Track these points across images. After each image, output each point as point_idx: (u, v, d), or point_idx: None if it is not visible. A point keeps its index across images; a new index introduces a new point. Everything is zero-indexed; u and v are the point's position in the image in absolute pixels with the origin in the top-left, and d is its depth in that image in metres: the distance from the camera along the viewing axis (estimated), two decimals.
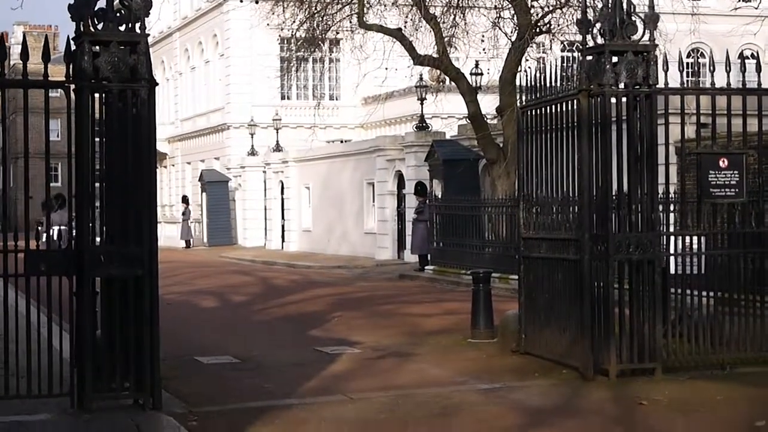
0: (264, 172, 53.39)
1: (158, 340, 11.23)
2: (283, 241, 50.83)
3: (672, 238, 13.69)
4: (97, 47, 11.09)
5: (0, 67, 11.06)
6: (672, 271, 13.50)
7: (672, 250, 13.58)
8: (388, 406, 11.80)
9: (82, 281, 11.02)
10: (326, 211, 46.35)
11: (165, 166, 69.31)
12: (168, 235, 61.82)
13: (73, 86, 11.12)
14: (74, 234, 11.15)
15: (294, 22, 32.78)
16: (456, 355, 15.48)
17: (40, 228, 32.11)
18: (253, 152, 55.34)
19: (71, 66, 11.13)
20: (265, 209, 53.21)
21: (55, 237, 24.89)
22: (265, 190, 53.30)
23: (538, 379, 13.33)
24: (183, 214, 59.48)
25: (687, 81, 13.69)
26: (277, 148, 52.60)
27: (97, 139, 11.20)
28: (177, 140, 67.42)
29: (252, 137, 55.67)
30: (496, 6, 30.76)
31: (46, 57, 11.06)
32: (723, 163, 13.59)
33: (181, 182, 66.56)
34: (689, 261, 13.57)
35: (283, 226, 51.12)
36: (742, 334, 13.67)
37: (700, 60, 54.47)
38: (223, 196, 56.86)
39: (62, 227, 27.83)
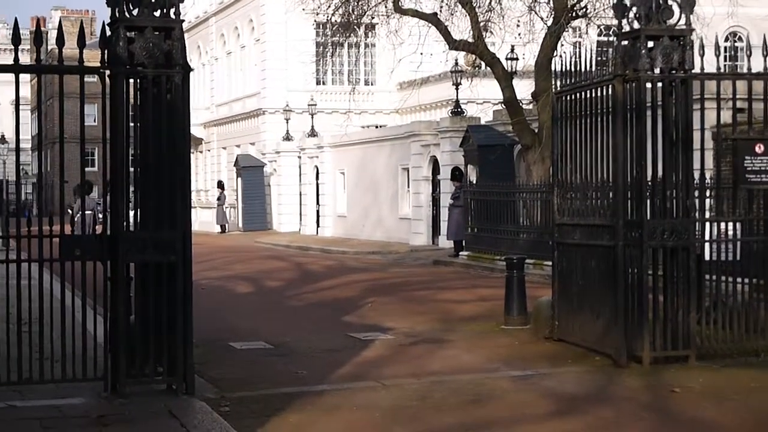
0: (299, 157, 53.44)
1: (191, 326, 11.26)
2: (317, 226, 50.89)
3: (707, 224, 13.61)
4: (132, 33, 11.12)
5: (36, 53, 11.10)
6: (707, 257, 13.42)
7: (707, 237, 13.50)
8: (420, 392, 11.80)
9: (117, 267, 11.06)
10: (361, 197, 46.35)
11: (200, 151, 69.52)
12: (203, 220, 62.09)
13: (108, 72, 11.15)
14: (99, 219, 11.20)
15: (329, 6, 32.75)
16: (489, 342, 15.46)
17: (70, 212, 32.62)
18: (288, 137, 55.39)
19: (106, 52, 11.16)
20: (300, 194, 53.26)
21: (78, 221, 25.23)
22: (300, 175, 53.35)
23: (571, 366, 13.29)
24: (218, 199, 59.67)
25: (724, 65, 13.59)
26: (312, 133, 52.63)
27: (132, 125, 11.23)
28: (212, 125, 67.58)
29: (287, 122, 55.71)
30: None
31: (81, 43, 11.09)
32: (759, 148, 13.49)
33: (217, 167, 66.72)
34: (724, 247, 13.48)
35: (317, 212, 51.17)
36: None
37: (738, 44, 54.06)
38: (259, 181, 56.97)
39: (86, 212, 28.26)
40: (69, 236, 11.32)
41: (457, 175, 34.37)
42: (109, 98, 11.10)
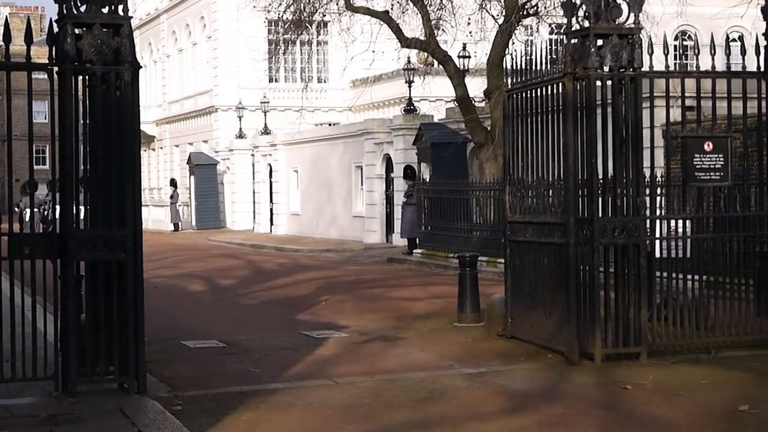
0: (252, 155, 53.32)
1: (143, 324, 11.21)
2: (271, 224, 50.81)
3: (657, 221, 13.69)
4: (81, 30, 11.05)
5: None
6: (657, 254, 13.51)
7: (657, 234, 13.58)
8: (373, 390, 11.80)
9: (66, 265, 10.99)
10: (315, 195, 46.31)
11: (153, 149, 69.22)
12: (156, 218, 61.83)
13: (56, 69, 11.07)
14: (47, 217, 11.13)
15: (281, 4, 32.65)
16: (442, 340, 15.49)
17: (16, 210, 32.72)
18: (241, 135, 55.27)
19: (54, 48, 11.08)
20: (254, 192, 53.14)
21: (27, 219, 25.34)
22: (253, 173, 53.23)
23: (524, 363, 13.34)
24: (171, 197, 59.46)
25: (674, 64, 13.67)
26: (266, 131, 52.55)
27: (81, 122, 11.16)
28: (165, 123, 67.29)
29: (240, 120, 55.60)
30: None
31: (28, 39, 11.01)
32: (708, 146, 13.58)
33: (170, 165, 66.44)
34: (675, 245, 13.57)
35: (271, 210, 51.09)
36: (728, 318, 13.71)
37: (687, 43, 54.46)
38: (212, 179, 56.80)
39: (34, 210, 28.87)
40: (18, 234, 11.23)
41: (409, 173, 34.40)
42: (57, 95, 11.02)
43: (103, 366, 11.13)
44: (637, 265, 13.03)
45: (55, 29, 11.14)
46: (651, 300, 13.27)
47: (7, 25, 11.15)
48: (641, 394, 11.37)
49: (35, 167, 11.80)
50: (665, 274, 13.56)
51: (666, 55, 13.55)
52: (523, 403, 11.12)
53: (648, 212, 13.49)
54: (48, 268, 11.08)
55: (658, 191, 14.37)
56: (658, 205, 14.11)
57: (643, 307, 13.05)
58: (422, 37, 30.57)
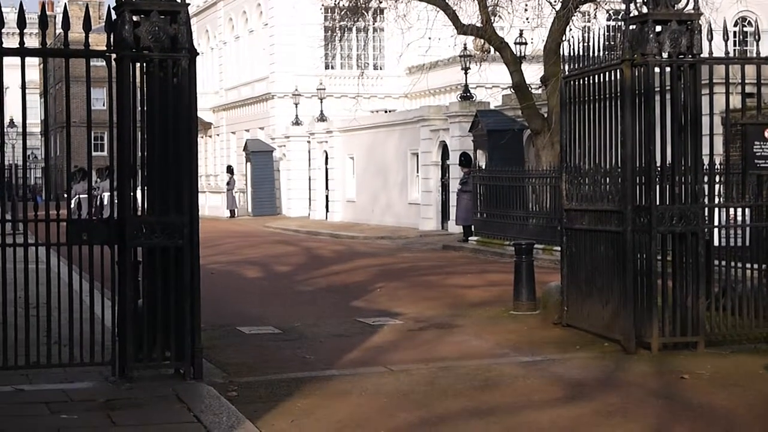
0: (308, 142, 53.43)
1: (199, 310, 11.25)
2: (327, 211, 50.89)
3: (716, 209, 13.57)
4: (138, 17, 11.09)
5: (42, 37, 11.07)
6: (716, 243, 13.38)
7: (716, 222, 13.46)
8: (428, 378, 11.78)
9: (124, 251, 11.05)
10: (370, 182, 46.33)
11: (210, 136, 69.51)
12: (213, 205, 62.12)
13: (114, 56, 11.13)
14: (98, 203, 11.18)
15: None
16: (497, 327, 15.44)
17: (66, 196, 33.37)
18: (297, 122, 55.36)
19: (112, 35, 11.13)
20: (310, 179, 53.25)
21: (74, 206, 25.68)
22: (309, 160, 53.34)
23: (580, 351, 13.27)
24: (228, 183, 59.71)
25: (733, 50, 13.53)
26: (322, 117, 52.59)
27: (139, 109, 11.21)
28: (222, 110, 67.54)
29: (296, 107, 55.65)
30: None
31: (87, 26, 11.06)
32: None
33: (226, 152, 66.69)
34: (733, 233, 13.44)
35: (327, 197, 51.17)
36: None
37: (747, 29, 53.86)
38: (268, 166, 56.96)
39: (82, 196, 29.83)
40: (76, 220, 11.32)
41: (464, 160, 34.31)
42: (115, 82, 11.08)
43: (160, 351, 11.19)
44: (695, 254, 12.92)
45: (113, 16, 11.19)
46: (709, 289, 13.15)
47: (66, 12, 11.23)
48: (699, 384, 11.29)
49: (93, 154, 11.87)
50: (724, 263, 13.43)
51: (726, 41, 13.41)
52: (579, 392, 11.07)
53: (706, 200, 13.37)
54: (106, 254, 11.15)
55: (717, 179, 14.22)
56: (716, 192, 13.98)
57: (701, 296, 12.95)
58: (479, 24, 30.45)
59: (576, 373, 12.02)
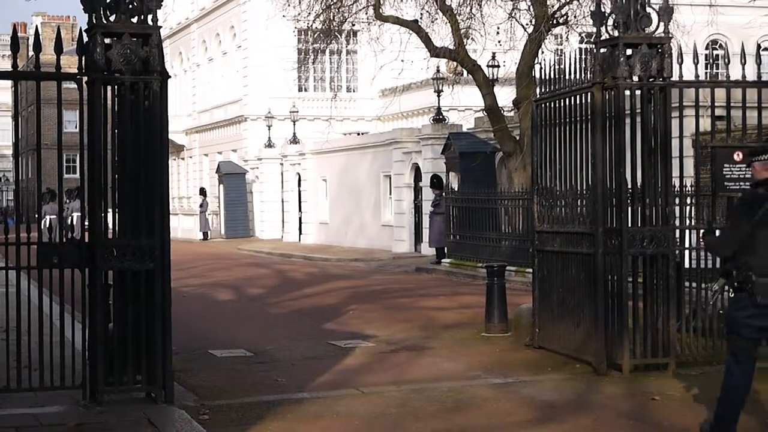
0: (281, 164, 53.43)
1: (170, 334, 11.22)
2: (300, 233, 50.87)
3: (687, 231, 13.63)
4: (110, 39, 11.09)
5: (13, 59, 11.05)
6: (686, 265, 13.44)
7: (687, 244, 13.52)
8: (400, 400, 11.78)
9: (95, 274, 11.02)
10: (343, 204, 46.34)
11: (182, 158, 69.45)
12: (186, 227, 61.98)
13: (85, 78, 11.11)
14: (66, 225, 11.15)
15: (310, 13, 32.73)
16: (469, 349, 15.45)
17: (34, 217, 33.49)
18: (270, 144, 55.37)
19: (84, 58, 11.12)
20: (282, 201, 53.22)
21: (44, 227, 25.83)
22: (282, 182, 53.32)
23: (551, 373, 13.29)
24: (200, 206, 59.63)
25: (704, 73, 13.63)
26: (294, 140, 52.63)
27: (110, 132, 11.19)
28: (194, 132, 67.51)
29: (269, 129, 55.70)
30: None
31: (58, 49, 11.06)
32: (738, 156, 13.48)
33: (199, 174, 66.65)
34: (704, 255, 13.49)
35: (300, 219, 51.15)
36: None
37: (718, 52, 54.23)
38: (241, 188, 56.93)
39: (51, 217, 30.66)
40: (47, 244, 11.28)
41: (435, 182, 34.36)
42: (86, 105, 11.07)
43: (131, 375, 11.14)
44: (666, 276, 12.97)
45: (85, 39, 11.18)
46: (680, 310, 13.20)
47: (37, 35, 11.21)
48: (669, 405, 11.32)
49: (65, 176, 11.84)
50: (694, 285, 13.48)
51: (696, 64, 13.51)
52: (551, 414, 11.08)
53: (677, 222, 13.44)
54: (77, 277, 11.11)
55: (687, 201, 14.29)
56: (687, 215, 14.05)
57: (672, 318, 13.00)
58: (451, 47, 30.58)
59: (548, 394, 12.03)
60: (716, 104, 13.55)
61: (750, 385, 9.46)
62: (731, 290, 9.37)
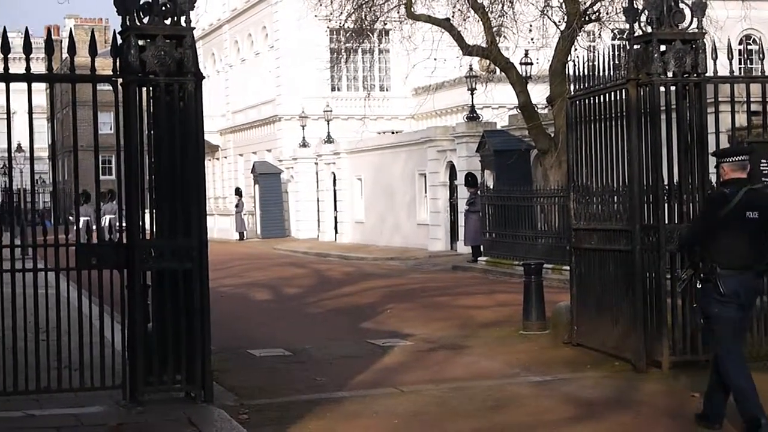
0: (316, 163, 53.50)
1: (209, 333, 11.26)
2: (335, 232, 50.90)
3: None
4: (144, 41, 11.13)
5: (48, 62, 11.11)
6: None
7: None
8: (439, 399, 11.78)
9: (133, 275, 11.07)
10: (378, 203, 46.34)
11: (217, 158, 69.62)
12: (222, 228, 62.18)
13: (120, 80, 11.16)
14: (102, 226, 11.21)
15: (342, 13, 32.75)
16: (508, 348, 15.43)
17: (70, 219, 33.78)
18: (304, 144, 55.45)
19: (118, 60, 11.17)
20: (318, 201, 53.28)
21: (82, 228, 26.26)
22: (317, 181, 53.39)
23: (590, 371, 13.25)
24: (236, 206, 59.76)
25: (738, 68, 13.55)
26: (329, 139, 52.67)
27: (146, 133, 11.24)
28: (229, 132, 67.67)
29: (303, 129, 55.76)
30: None
31: (93, 51, 11.11)
32: None
33: (234, 174, 66.80)
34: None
35: (335, 218, 51.18)
36: None
37: (752, 47, 53.89)
38: (276, 188, 57.03)
39: (83, 218, 31.59)
40: (85, 245, 11.34)
41: (470, 180, 34.32)
42: (121, 106, 11.11)
43: (170, 375, 11.19)
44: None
45: (119, 41, 11.23)
46: None
47: (72, 38, 11.27)
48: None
49: (101, 177, 11.91)
50: None
51: (730, 59, 13.43)
52: (591, 412, 11.05)
53: None
54: (115, 278, 11.17)
55: None
56: None
57: None
58: (484, 45, 30.53)
59: (587, 392, 12.00)
60: (752, 99, 13.48)
61: (745, 361, 10.05)
62: (698, 281, 10.14)
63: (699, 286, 10.16)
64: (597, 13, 28.53)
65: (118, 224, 11.29)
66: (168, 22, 11.19)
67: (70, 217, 35.26)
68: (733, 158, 10.20)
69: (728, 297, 9.86)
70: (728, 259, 9.87)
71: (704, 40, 13.16)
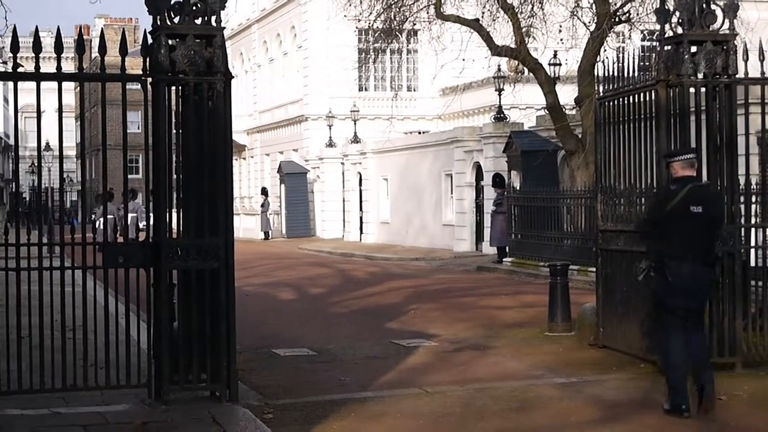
0: (342, 163, 53.52)
1: (234, 332, 11.27)
2: (361, 232, 50.91)
3: (752, 230, 13.48)
4: (174, 41, 11.14)
5: (78, 61, 11.15)
6: (752, 263, 13.29)
7: (752, 243, 13.37)
8: (464, 399, 11.76)
9: (159, 274, 11.08)
10: (404, 203, 46.34)
11: (244, 158, 69.76)
12: (247, 227, 62.28)
13: (149, 80, 11.18)
14: (124, 225, 11.22)
15: (371, 13, 32.79)
16: (533, 349, 15.39)
17: (92, 217, 33.75)
18: (331, 144, 55.50)
19: (148, 59, 11.19)
20: (343, 201, 53.32)
21: (99, 227, 26.19)
22: (343, 181, 53.41)
23: (616, 373, 13.20)
24: (262, 205, 59.84)
25: None
26: (355, 139, 52.71)
27: (174, 132, 11.26)
28: (256, 132, 67.81)
29: (330, 129, 55.83)
30: None
31: (123, 51, 11.13)
32: None
33: (260, 174, 66.92)
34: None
35: (361, 218, 51.20)
36: None
37: None
38: (302, 188, 57.09)
39: (108, 217, 30.88)
40: (112, 244, 11.36)
41: (498, 181, 34.27)
42: (151, 106, 11.14)
43: (196, 374, 11.20)
44: (731, 274, 12.85)
45: (149, 41, 11.25)
46: (746, 309, 13.07)
47: (102, 37, 11.30)
48: (736, 405, 11.21)
49: (129, 176, 11.94)
50: (760, 283, 13.34)
51: (761, 61, 13.36)
52: (616, 414, 11.02)
53: (743, 220, 13.30)
54: (141, 277, 11.19)
55: (753, 199, 14.14)
56: (753, 213, 13.90)
57: (738, 317, 12.87)
58: (513, 45, 30.52)
59: (613, 394, 11.96)
60: None
61: (684, 352, 10.91)
62: (652, 271, 11.12)
63: (652, 274, 11.12)
64: (627, 14, 28.46)
65: (140, 223, 11.31)
66: (198, 21, 11.19)
67: (92, 215, 35.32)
68: (682, 157, 11.23)
69: (675, 285, 10.84)
70: (675, 250, 10.87)
71: (735, 41, 13.10)
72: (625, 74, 14.02)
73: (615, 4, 28.42)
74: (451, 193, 41.87)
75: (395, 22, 32.66)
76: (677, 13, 13.05)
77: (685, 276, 10.84)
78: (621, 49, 21.54)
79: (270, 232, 58.48)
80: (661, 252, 10.98)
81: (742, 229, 13.25)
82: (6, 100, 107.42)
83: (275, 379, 13.25)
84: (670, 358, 11.00)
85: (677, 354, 10.92)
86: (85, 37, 11.38)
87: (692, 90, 13.00)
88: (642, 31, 29.57)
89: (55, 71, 11.06)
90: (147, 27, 11.45)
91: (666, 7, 13.17)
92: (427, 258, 37.67)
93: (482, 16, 31.43)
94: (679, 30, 13.04)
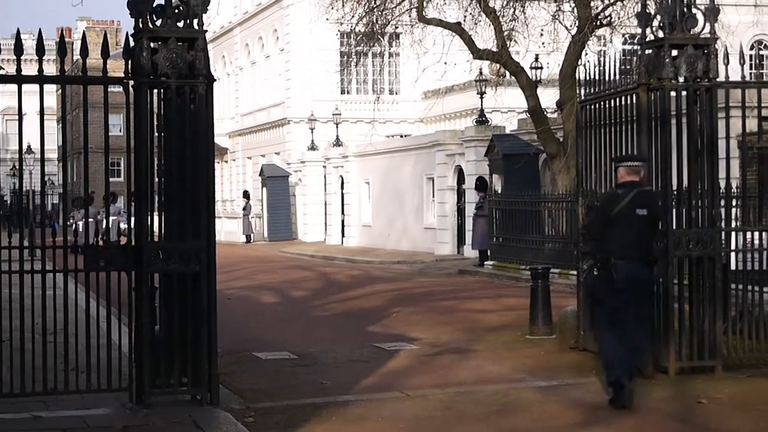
0: (324, 166, 53.49)
1: (216, 336, 11.27)
2: (342, 236, 50.89)
3: (733, 233, 13.54)
4: (156, 44, 11.13)
5: (60, 64, 11.12)
6: (733, 267, 13.34)
7: (733, 246, 13.43)
8: (445, 403, 11.77)
9: (141, 277, 11.07)
10: (386, 206, 46.34)
11: (226, 161, 69.66)
12: (229, 230, 62.18)
13: (131, 82, 11.17)
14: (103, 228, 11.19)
15: (353, 16, 32.76)
16: (514, 352, 15.41)
17: (71, 220, 33.56)
18: (313, 147, 55.47)
19: (130, 62, 11.18)
20: (325, 204, 53.28)
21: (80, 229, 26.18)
22: (325, 184, 53.38)
23: (596, 376, 13.20)
24: (244, 209, 59.76)
25: (749, 74, 13.52)
26: (337, 142, 52.70)
27: (156, 135, 11.24)
28: (237, 135, 67.74)
29: (312, 132, 55.81)
30: None
31: (105, 54, 11.13)
32: None
33: (242, 177, 66.85)
34: (750, 257, 13.40)
35: (342, 221, 51.18)
36: None
37: (764, 52, 53.84)
38: (284, 191, 57.06)
39: (91, 220, 30.93)
40: (93, 247, 11.34)
41: (479, 184, 34.30)
42: (132, 108, 11.12)
43: (177, 377, 11.18)
44: (712, 278, 12.90)
45: (131, 43, 11.24)
46: (726, 313, 13.11)
47: (84, 40, 11.29)
48: (716, 408, 11.25)
49: (111, 179, 11.91)
50: (741, 287, 13.39)
51: (742, 64, 13.41)
52: (597, 417, 11.04)
53: (723, 224, 13.35)
54: (123, 280, 11.17)
55: (734, 202, 14.20)
56: (733, 216, 13.95)
57: (718, 320, 12.91)
58: (494, 49, 30.55)
59: (593, 397, 11.98)
60: (763, 105, 13.45)
61: (619, 347, 11.40)
62: (595, 269, 11.75)
63: (595, 273, 11.74)
64: (608, 18, 28.52)
65: (122, 225, 11.31)
66: (180, 24, 11.19)
67: (71, 219, 35.12)
68: (628, 163, 11.84)
69: (619, 284, 11.37)
70: (620, 250, 11.41)
71: (716, 45, 13.14)
72: (607, 78, 14.06)
73: (596, 8, 28.46)
74: (433, 196, 41.88)
75: (377, 26, 32.64)
76: (658, 17, 13.09)
77: (629, 274, 11.37)
78: (602, 52, 21.63)
79: (252, 235, 58.41)
80: (608, 252, 11.48)
81: (723, 233, 13.29)
82: None
83: (257, 383, 13.24)
84: (606, 351, 11.64)
85: (614, 348, 11.45)
86: (66, 39, 11.35)
87: (673, 94, 13.05)
88: (623, 35, 29.65)
89: (37, 74, 11.03)
90: (129, 30, 11.43)
91: (647, 11, 13.21)
92: (408, 261, 37.68)
93: (464, 20, 31.45)
94: (661, 34, 13.09)
